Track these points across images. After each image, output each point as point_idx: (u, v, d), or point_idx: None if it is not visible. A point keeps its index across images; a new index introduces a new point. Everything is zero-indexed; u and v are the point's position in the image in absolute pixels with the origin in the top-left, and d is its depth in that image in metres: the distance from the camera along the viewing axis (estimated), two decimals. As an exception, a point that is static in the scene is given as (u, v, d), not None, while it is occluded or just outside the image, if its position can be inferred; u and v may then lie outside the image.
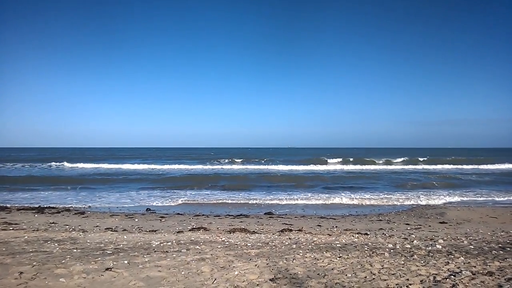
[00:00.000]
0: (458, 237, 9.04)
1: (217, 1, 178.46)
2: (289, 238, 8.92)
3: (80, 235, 9.40)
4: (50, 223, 11.91)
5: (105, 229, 10.83)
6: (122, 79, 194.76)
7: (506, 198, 20.16)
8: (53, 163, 47.43)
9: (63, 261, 6.22)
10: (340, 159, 54.57)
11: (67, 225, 11.53)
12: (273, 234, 9.87)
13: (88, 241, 8.37)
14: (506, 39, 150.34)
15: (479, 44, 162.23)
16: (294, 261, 6.29)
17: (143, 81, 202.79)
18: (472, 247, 7.54)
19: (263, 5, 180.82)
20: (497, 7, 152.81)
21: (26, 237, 8.83)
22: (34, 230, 10.24)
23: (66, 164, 45.16)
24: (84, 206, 17.22)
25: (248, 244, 7.96)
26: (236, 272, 5.58)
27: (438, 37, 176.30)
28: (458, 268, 5.72)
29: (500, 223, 12.60)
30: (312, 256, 6.63)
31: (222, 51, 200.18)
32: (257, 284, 5.05)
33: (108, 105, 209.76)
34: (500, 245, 7.68)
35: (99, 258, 6.43)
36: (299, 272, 5.56)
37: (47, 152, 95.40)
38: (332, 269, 5.77)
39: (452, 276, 5.24)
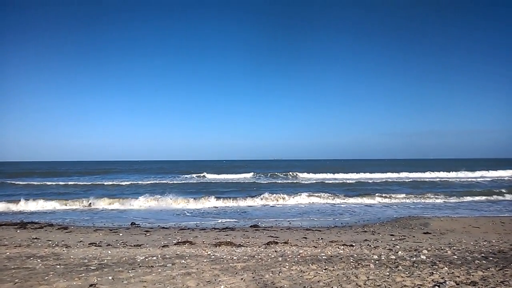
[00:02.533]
0: (442, 248, 9.15)
1: (210, 11, 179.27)
2: (275, 251, 8.92)
3: (63, 250, 9.24)
4: (33, 238, 11.68)
5: (89, 244, 10.67)
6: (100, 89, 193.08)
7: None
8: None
9: (46, 277, 6.11)
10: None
11: (50, 240, 11.33)
12: (259, 247, 9.85)
13: (71, 256, 8.23)
14: (491, 50, 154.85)
15: (466, 55, 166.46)
16: (280, 274, 6.29)
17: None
18: (456, 257, 7.64)
19: (255, 14, 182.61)
20: (486, 15, 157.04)
21: (8, 253, 8.65)
22: (16, 246, 10.03)
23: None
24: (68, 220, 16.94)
25: (234, 258, 7.93)
26: (222, 287, 5.55)
27: (426, 47, 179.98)
28: (442, 278, 5.79)
29: (483, 233, 12.79)
30: (298, 269, 6.64)
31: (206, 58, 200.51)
32: (244, 298, 5.03)
33: (90, 116, 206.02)
34: (483, 255, 7.80)
35: (83, 274, 6.33)
36: (285, 286, 5.56)
37: None
38: (318, 281, 5.78)
39: (437, 287, 5.31)
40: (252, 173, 55.13)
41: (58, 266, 7.06)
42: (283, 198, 25.31)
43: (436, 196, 25.61)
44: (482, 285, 5.38)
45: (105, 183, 38.64)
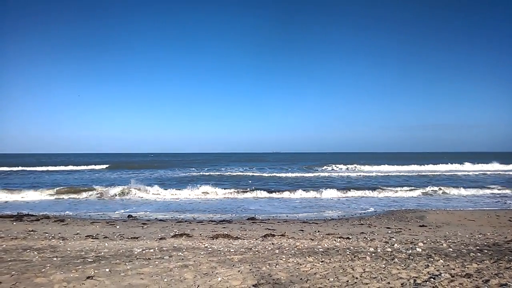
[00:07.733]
0: (438, 240, 9.20)
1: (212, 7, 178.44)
2: (272, 243, 8.95)
3: (60, 243, 9.24)
4: (29, 231, 11.67)
5: (86, 236, 10.67)
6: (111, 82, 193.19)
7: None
8: None
9: (43, 270, 6.11)
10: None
11: (47, 232, 11.33)
12: (256, 240, 9.88)
13: (68, 249, 8.24)
14: (497, 45, 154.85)
15: (471, 48, 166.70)
16: (277, 266, 6.31)
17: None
18: (451, 249, 7.69)
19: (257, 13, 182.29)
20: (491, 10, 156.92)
21: (4, 245, 8.64)
22: (12, 238, 10.02)
23: None
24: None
25: (231, 250, 7.95)
26: (219, 279, 5.57)
27: (430, 41, 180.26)
28: (438, 270, 5.83)
29: (478, 225, 12.87)
30: (295, 261, 6.67)
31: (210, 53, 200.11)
32: (240, 290, 5.06)
33: (102, 109, 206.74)
34: (477, 248, 7.85)
35: (80, 267, 6.34)
36: (282, 277, 5.59)
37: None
38: (315, 273, 5.81)
39: (432, 279, 5.34)
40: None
41: (55, 259, 7.06)
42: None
43: (433, 189, 25.66)
44: (476, 277, 5.43)
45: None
